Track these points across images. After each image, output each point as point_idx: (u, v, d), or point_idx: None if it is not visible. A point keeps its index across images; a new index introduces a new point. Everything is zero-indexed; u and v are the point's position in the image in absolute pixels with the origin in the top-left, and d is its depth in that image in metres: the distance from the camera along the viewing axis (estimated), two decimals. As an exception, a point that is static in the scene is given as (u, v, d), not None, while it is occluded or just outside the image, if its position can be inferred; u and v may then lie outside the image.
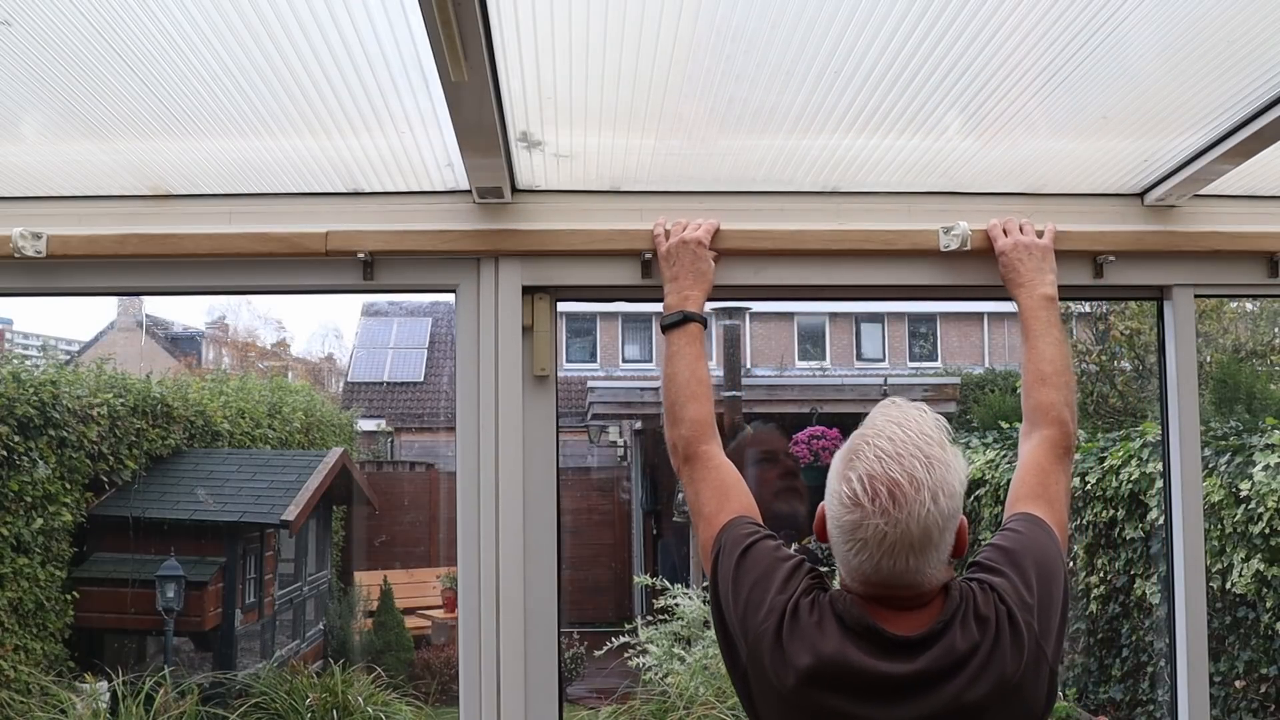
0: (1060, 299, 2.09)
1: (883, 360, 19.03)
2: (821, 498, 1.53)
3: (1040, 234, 2.11)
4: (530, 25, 1.63)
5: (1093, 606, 7.08)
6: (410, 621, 9.68)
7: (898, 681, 1.44)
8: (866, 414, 1.69)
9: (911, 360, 19.39)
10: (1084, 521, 7.12)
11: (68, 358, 15.23)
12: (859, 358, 19.13)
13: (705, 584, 7.91)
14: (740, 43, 1.71)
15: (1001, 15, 1.64)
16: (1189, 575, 2.27)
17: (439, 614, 10.14)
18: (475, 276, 2.18)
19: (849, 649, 1.45)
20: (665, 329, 1.99)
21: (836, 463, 1.51)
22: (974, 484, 8.48)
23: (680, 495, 11.02)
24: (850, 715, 1.45)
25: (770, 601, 1.51)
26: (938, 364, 18.90)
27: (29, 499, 7.09)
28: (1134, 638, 6.75)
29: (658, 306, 2.06)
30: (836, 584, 1.56)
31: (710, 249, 2.07)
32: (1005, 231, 2.12)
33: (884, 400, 1.57)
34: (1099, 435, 7.64)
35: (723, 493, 1.74)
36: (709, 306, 2.05)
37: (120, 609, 7.85)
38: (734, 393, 10.25)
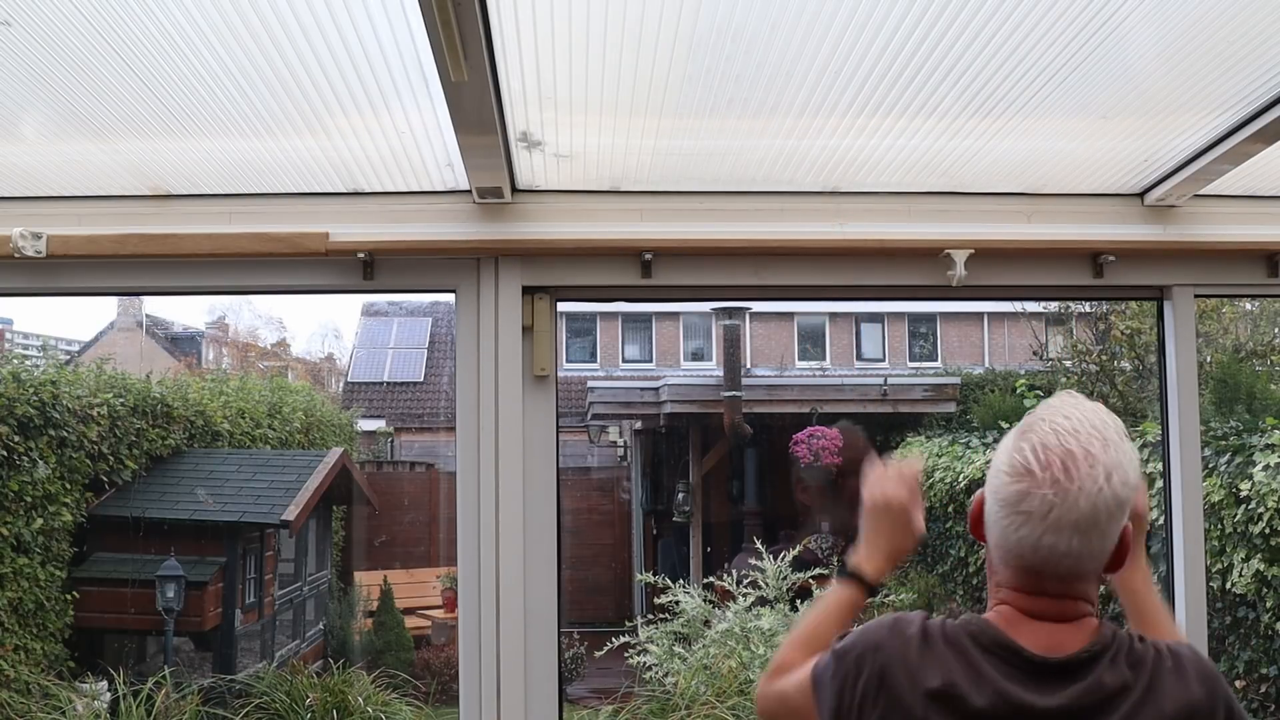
0: (1060, 299, 2.08)
1: (883, 360, 19.02)
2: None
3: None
4: (530, 25, 1.63)
5: (1093, 606, 7.08)
6: (410, 621, 9.68)
7: (1037, 715, 1.34)
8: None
9: (911, 360, 19.38)
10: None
11: (68, 358, 15.22)
12: (859, 358, 19.13)
13: (706, 581, 7.91)
14: (740, 43, 1.71)
15: (1001, 16, 1.64)
16: (1189, 575, 2.27)
17: (439, 614, 10.14)
18: (475, 277, 2.18)
19: (985, 671, 1.36)
20: (838, 576, 1.75)
21: (1006, 440, 1.43)
22: (974, 484, 8.48)
23: (681, 495, 11.07)
24: None
25: (882, 643, 1.41)
26: (938, 364, 18.89)
27: (29, 499, 7.09)
28: (1134, 638, 6.75)
29: (658, 307, 2.06)
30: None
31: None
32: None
33: (1060, 392, 1.48)
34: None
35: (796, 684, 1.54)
36: (708, 307, 2.01)
37: (120, 609, 7.85)
38: (734, 393, 10.26)
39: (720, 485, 11.37)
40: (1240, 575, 5.54)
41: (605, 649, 7.34)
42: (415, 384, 17.45)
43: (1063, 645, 1.37)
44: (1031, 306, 12.07)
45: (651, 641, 7.08)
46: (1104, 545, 1.37)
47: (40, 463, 7.17)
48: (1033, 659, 1.36)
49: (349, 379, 18.22)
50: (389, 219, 2.17)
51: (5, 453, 6.87)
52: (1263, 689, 5.59)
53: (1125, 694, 1.35)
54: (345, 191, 2.19)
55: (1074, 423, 1.38)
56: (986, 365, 17.36)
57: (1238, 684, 5.69)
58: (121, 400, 8.00)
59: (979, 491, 1.47)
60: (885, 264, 2.23)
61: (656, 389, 11.09)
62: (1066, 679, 1.36)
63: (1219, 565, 5.66)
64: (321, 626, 9.82)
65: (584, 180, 2.18)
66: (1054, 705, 1.34)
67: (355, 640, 9.49)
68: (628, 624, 7.70)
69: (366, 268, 2.16)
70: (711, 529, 11.12)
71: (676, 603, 7.37)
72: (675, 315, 19.06)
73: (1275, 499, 5.31)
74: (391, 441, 15.34)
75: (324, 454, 9.62)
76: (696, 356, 19.14)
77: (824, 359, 18.77)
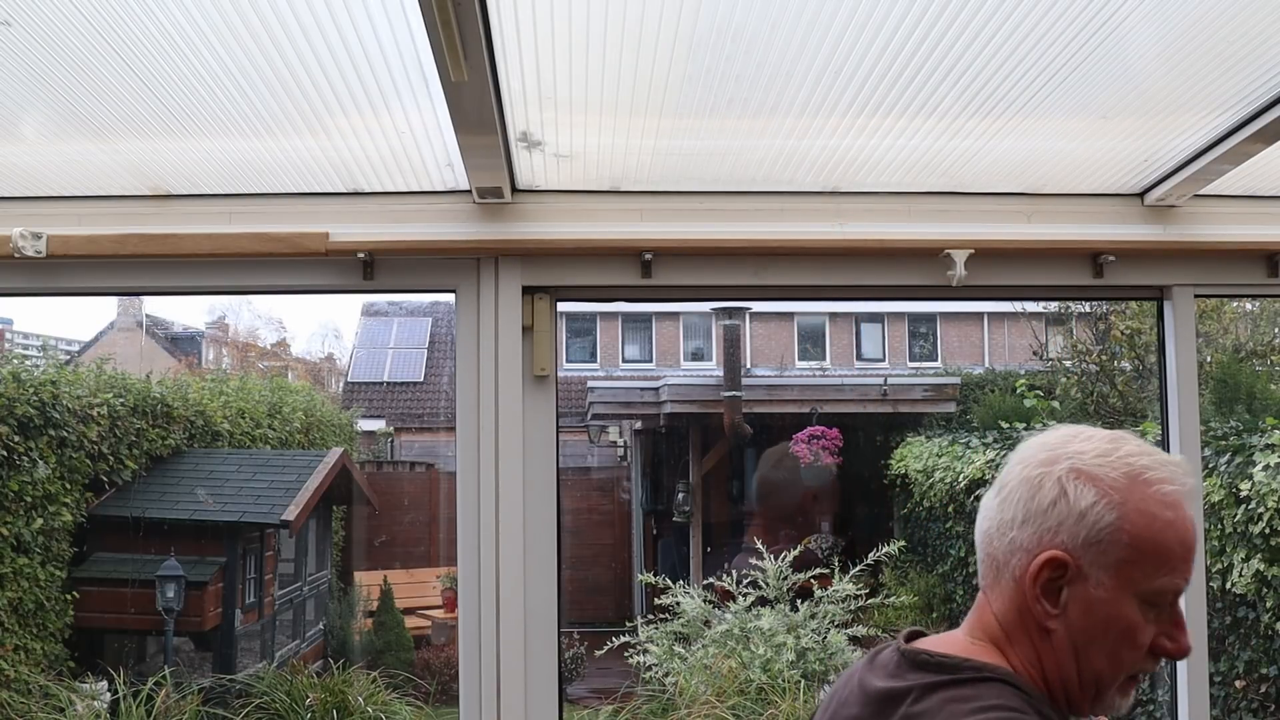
0: (1060, 299, 2.09)
1: (883, 360, 19.02)
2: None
3: None
4: (530, 25, 1.63)
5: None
6: (410, 621, 9.69)
7: (866, 691, 1.27)
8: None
9: (911, 360, 19.38)
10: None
11: (68, 358, 15.22)
12: (859, 358, 19.13)
13: (706, 582, 7.93)
14: (740, 43, 1.71)
15: (1001, 16, 1.64)
16: (1189, 575, 2.27)
17: (439, 614, 10.15)
18: (475, 277, 2.18)
19: (859, 669, 1.33)
20: None
21: None
22: (974, 483, 8.48)
23: (681, 495, 11.09)
24: None
25: None
26: (938, 364, 18.90)
27: (29, 499, 7.08)
28: (1134, 638, 6.75)
29: (658, 307, 2.06)
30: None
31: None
32: None
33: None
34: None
35: None
36: (708, 307, 2.01)
37: (120, 609, 7.85)
38: (734, 393, 10.27)
39: (720, 485, 11.38)
40: (1240, 575, 5.54)
41: (605, 649, 7.34)
42: (415, 384, 17.45)
43: (938, 645, 1.27)
44: (1031, 306, 12.08)
45: (651, 641, 7.09)
46: (1009, 528, 1.23)
47: (40, 463, 7.17)
48: (899, 648, 1.29)
49: (349, 379, 18.21)
50: (389, 219, 2.17)
51: (5, 453, 6.87)
52: (1263, 689, 5.59)
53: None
54: (345, 191, 2.19)
55: (1096, 430, 1.27)
56: (986, 365, 17.37)
57: (1238, 684, 5.70)
58: (121, 400, 8.00)
59: None
60: (885, 264, 2.23)
61: (656, 389, 11.10)
62: (904, 671, 1.25)
63: (1219, 565, 5.66)
64: (321, 626, 9.82)
65: (584, 180, 2.18)
66: (876, 687, 1.26)
67: (355, 640, 9.49)
68: (628, 624, 7.71)
69: (366, 268, 2.16)
70: (711, 529, 11.12)
71: (676, 603, 7.38)
72: (675, 315, 19.07)
73: (1275, 499, 5.31)
74: (391, 441, 15.34)
75: (324, 454, 9.63)
76: (696, 356, 19.14)
77: (824, 359, 18.77)
